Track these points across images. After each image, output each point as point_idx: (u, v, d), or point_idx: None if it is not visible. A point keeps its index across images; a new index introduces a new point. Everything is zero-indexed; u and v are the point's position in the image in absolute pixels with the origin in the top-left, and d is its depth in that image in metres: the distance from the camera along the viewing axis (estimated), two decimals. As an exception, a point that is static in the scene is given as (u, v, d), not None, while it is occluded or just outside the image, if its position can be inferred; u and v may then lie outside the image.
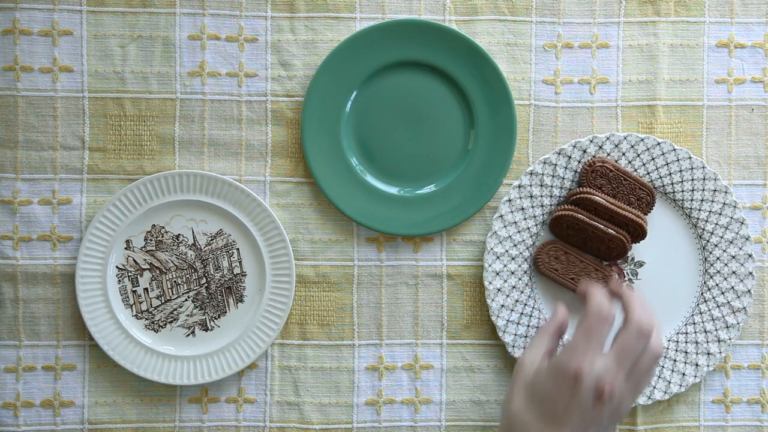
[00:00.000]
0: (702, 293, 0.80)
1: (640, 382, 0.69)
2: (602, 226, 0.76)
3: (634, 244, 0.80)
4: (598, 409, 0.66)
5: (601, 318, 0.68)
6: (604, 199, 0.76)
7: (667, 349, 0.80)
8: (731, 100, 0.82)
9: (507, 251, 0.79)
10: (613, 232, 0.76)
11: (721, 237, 0.80)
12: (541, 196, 0.79)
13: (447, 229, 0.80)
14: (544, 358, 0.70)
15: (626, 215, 0.76)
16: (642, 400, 0.80)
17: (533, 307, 0.80)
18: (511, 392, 0.69)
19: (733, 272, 0.80)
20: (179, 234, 0.79)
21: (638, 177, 0.78)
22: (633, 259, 0.80)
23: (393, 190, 0.81)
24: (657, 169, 0.79)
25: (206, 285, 0.80)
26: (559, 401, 0.66)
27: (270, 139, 0.80)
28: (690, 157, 0.79)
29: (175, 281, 0.80)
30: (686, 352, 0.80)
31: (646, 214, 0.78)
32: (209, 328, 0.80)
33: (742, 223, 0.80)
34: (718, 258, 0.80)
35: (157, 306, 0.80)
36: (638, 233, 0.77)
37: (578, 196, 0.77)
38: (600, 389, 0.66)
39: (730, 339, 0.80)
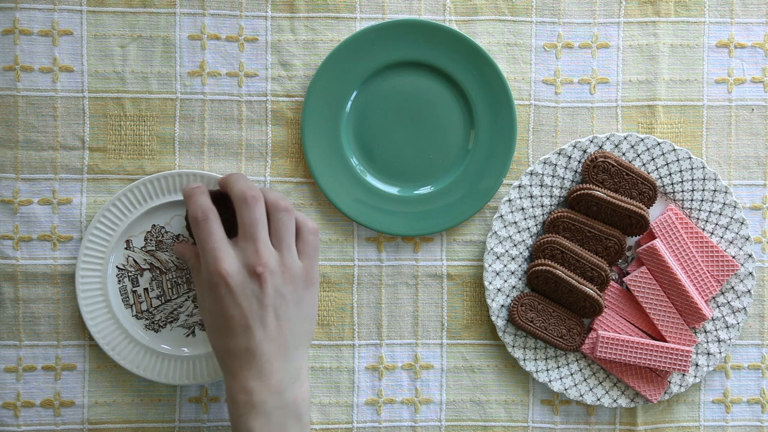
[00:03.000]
0: (702, 293, 0.80)
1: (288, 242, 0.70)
2: (574, 282, 0.77)
3: (635, 237, 0.80)
4: (257, 286, 0.68)
5: (254, 199, 0.70)
6: (605, 194, 0.76)
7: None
8: (731, 100, 0.82)
9: (507, 251, 0.79)
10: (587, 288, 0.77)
11: (721, 237, 0.80)
12: (541, 196, 0.79)
13: (447, 229, 0.80)
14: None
15: (628, 207, 0.76)
16: (643, 399, 0.80)
17: (533, 307, 0.80)
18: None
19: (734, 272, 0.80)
20: (179, 234, 0.79)
21: (640, 170, 0.78)
22: (633, 259, 0.80)
23: (393, 190, 0.81)
24: (657, 169, 0.79)
25: (206, 285, 0.80)
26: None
27: (270, 139, 0.80)
28: (690, 158, 0.79)
29: (175, 281, 0.80)
30: (686, 352, 0.80)
31: (649, 207, 0.78)
32: (209, 328, 0.80)
33: (742, 223, 0.80)
34: (718, 258, 0.80)
35: (157, 306, 0.80)
36: (640, 224, 0.77)
37: (579, 192, 0.77)
38: (254, 272, 0.68)
39: (730, 339, 0.80)
